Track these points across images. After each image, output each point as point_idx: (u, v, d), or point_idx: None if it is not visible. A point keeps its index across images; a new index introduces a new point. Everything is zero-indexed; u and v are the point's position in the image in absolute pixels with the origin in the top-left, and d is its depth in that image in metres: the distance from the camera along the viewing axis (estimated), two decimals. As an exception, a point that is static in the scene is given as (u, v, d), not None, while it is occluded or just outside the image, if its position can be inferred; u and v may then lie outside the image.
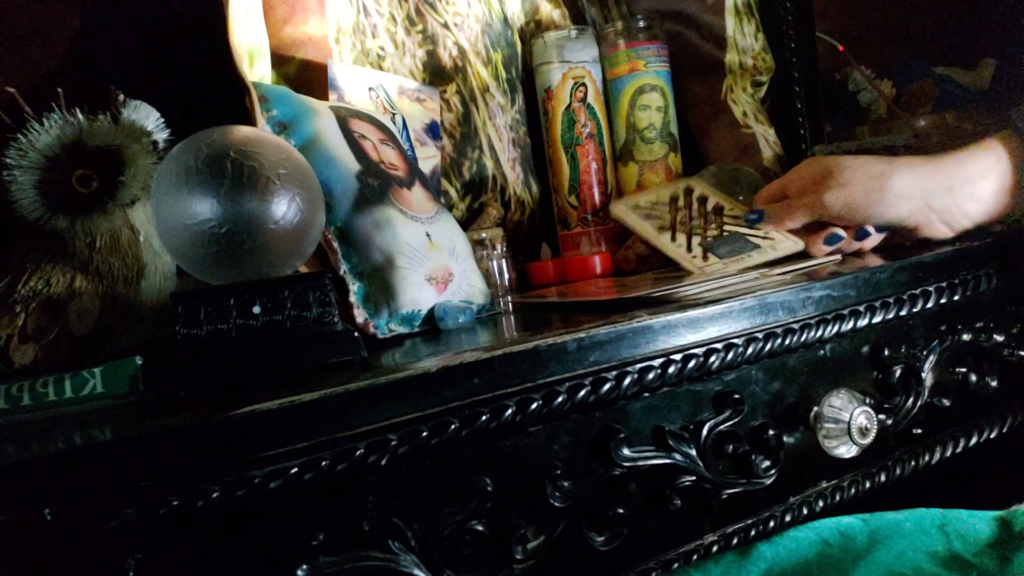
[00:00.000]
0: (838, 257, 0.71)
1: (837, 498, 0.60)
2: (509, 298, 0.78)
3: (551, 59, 0.96)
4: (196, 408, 0.39)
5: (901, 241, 0.73)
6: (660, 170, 0.95)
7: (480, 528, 0.45)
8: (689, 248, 0.76)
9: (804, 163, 0.74)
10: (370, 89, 0.83)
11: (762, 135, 1.04)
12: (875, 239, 0.71)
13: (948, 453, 0.66)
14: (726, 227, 0.77)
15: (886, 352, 0.63)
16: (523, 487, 0.48)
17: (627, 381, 0.50)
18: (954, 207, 0.68)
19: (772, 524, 0.57)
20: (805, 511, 0.58)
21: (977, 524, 0.56)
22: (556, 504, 0.48)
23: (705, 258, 0.72)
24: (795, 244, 0.72)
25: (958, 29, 1.46)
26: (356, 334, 0.50)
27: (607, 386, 0.49)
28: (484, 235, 0.83)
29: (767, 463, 0.56)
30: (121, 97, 0.57)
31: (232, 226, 0.48)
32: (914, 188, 0.67)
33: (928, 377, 0.65)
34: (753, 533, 0.56)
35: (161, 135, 0.59)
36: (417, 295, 0.61)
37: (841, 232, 0.70)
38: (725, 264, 0.70)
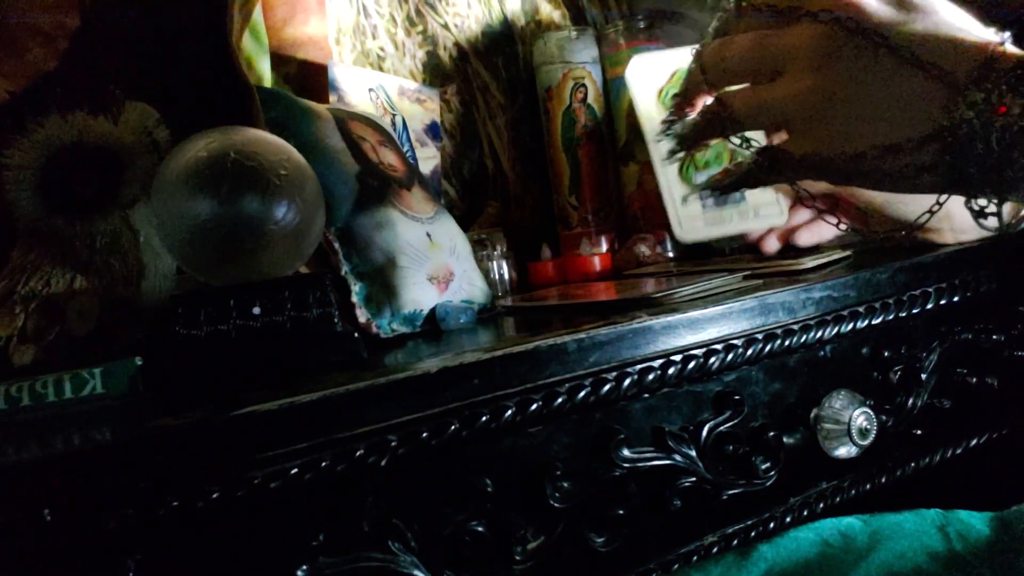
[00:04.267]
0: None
1: (837, 499, 0.60)
2: (509, 298, 0.78)
3: (552, 59, 0.96)
4: (196, 408, 0.39)
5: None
6: (660, 170, 0.95)
7: (480, 528, 0.45)
8: (683, 170, 0.73)
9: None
10: (370, 90, 0.83)
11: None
12: None
13: (948, 454, 0.66)
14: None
15: (886, 353, 0.63)
16: (523, 488, 0.47)
17: (627, 382, 0.50)
18: None
19: (772, 525, 0.57)
20: (805, 512, 0.58)
21: (977, 525, 0.56)
22: (556, 505, 0.48)
23: (685, 201, 0.70)
24: (780, 215, 0.70)
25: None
26: (356, 335, 0.50)
27: (607, 387, 0.49)
28: (484, 235, 0.83)
29: (767, 464, 0.56)
30: (121, 97, 0.57)
31: (232, 227, 0.48)
32: None
33: (928, 378, 0.65)
34: (753, 534, 0.56)
35: (161, 135, 0.59)
36: (419, 295, 0.61)
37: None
38: (704, 224, 0.68)
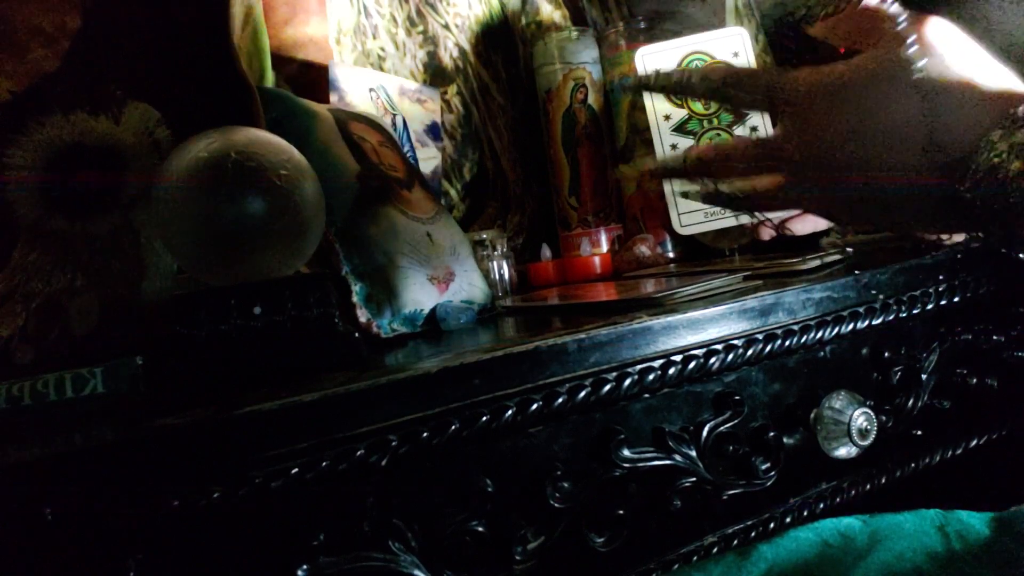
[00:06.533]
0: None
1: (837, 500, 0.60)
2: (509, 299, 0.78)
3: (552, 60, 0.96)
4: (197, 408, 0.39)
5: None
6: (660, 171, 0.95)
7: (480, 529, 0.45)
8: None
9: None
10: (371, 90, 0.83)
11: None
12: None
13: (948, 455, 0.66)
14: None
15: (886, 354, 0.63)
16: (523, 488, 0.48)
17: (627, 382, 0.50)
18: None
19: (772, 525, 0.57)
20: (805, 512, 0.58)
21: (977, 525, 0.56)
22: (556, 505, 0.48)
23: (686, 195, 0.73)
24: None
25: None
26: (356, 335, 0.50)
27: (607, 387, 0.49)
28: (484, 235, 0.83)
29: (767, 464, 0.56)
30: (122, 97, 0.57)
31: (233, 227, 0.48)
32: None
33: (928, 378, 0.65)
34: (753, 534, 0.56)
35: (162, 135, 0.59)
36: (419, 295, 0.61)
37: None
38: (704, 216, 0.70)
